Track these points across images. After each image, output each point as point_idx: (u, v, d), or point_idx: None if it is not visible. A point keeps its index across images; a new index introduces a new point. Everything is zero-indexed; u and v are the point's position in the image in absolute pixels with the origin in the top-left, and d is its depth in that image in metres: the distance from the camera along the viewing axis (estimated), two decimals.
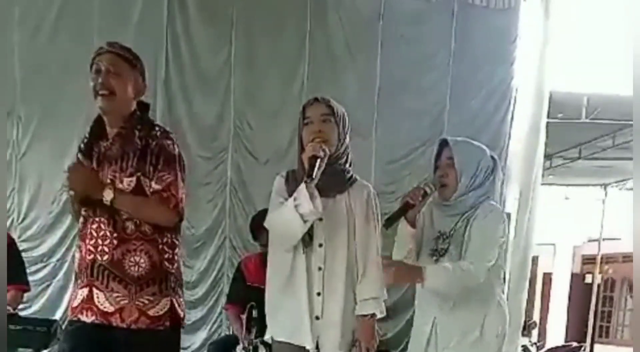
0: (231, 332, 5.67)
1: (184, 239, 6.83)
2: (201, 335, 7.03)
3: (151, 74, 6.76)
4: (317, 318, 2.85)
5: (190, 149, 7.02)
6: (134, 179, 2.73)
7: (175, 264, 2.83)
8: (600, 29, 8.81)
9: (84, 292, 2.71)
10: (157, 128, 2.85)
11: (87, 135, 2.84)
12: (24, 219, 6.92)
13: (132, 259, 2.70)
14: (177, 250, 2.85)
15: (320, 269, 2.84)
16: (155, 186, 2.74)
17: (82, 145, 2.83)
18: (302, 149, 2.87)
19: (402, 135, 7.19)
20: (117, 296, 2.69)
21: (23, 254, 5.26)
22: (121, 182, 2.71)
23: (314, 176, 2.70)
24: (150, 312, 2.72)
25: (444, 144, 3.19)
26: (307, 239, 2.82)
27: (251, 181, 6.97)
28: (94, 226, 2.72)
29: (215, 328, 7.03)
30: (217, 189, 7.09)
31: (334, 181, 2.86)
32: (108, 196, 2.65)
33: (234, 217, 7.06)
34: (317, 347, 2.87)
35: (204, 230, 7.08)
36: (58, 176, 5.70)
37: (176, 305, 2.81)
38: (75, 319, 2.73)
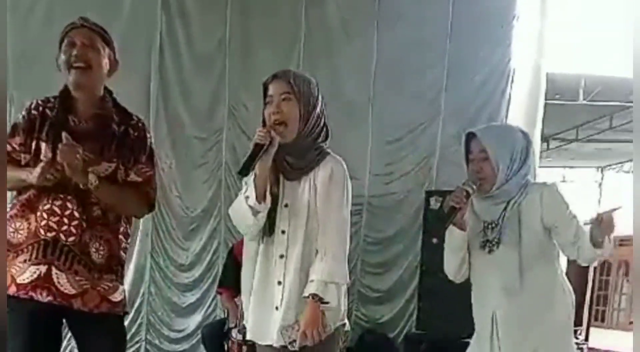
0: (226, 315, 5.64)
1: (179, 221, 6.95)
2: (196, 318, 6.98)
3: (146, 54, 6.88)
4: (277, 309, 2.65)
5: (185, 130, 7.00)
6: (112, 165, 2.69)
7: (126, 255, 2.84)
8: (598, 11, 8.76)
9: (39, 269, 2.60)
10: (134, 117, 2.83)
11: (47, 104, 2.74)
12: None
13: (96, 245, 2.66)
14: (129, 240, 2.87)
15: (282, 256, 2.65)
16: (135, 178, 2.75)
17: (40, 112, 2.74)
18: None
19: (400, 116, 7.12)
20: (80, 280, 2.62)
21: None
22: (97, 165, 2.65)
23: (250, 170, 2.56)
24: (111, 298, 2.71)
25: (471, 136, 2.98)
26: (267, 227, 2.66)
27: None
28: (58, 203, 2.62)
29: (210, 311, 6.98)
30: (212, 170, 7.05)
31: (299, 162, 2.67)
32: (93, 181, 2.58)
33: (230, 198, 6.99)
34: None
35: (199, 211, 7.04)
36: None
37: (125, 293, 2.84)
38: (26, 297, 2.59)
